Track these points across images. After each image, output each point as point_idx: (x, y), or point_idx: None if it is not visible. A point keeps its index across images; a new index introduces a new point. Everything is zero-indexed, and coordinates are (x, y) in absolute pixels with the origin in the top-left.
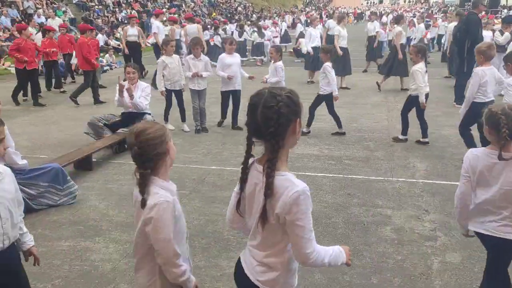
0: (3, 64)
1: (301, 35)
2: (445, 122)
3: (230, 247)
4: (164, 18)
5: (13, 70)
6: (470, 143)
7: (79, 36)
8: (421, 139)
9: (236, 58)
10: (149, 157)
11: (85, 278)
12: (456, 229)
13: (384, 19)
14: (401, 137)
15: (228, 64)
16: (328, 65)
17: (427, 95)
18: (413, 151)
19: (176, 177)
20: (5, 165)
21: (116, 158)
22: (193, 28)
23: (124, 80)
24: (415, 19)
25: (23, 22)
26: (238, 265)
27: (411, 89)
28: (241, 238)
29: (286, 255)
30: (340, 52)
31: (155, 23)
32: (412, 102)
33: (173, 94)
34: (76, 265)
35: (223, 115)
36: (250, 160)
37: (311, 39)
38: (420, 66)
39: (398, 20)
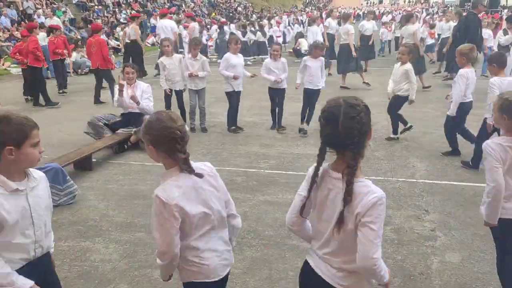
0: (3, 65)
1: (300, 35)
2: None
3: None
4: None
5: (12, 71)
6: (470, 137)
7: (79, 37)
8: (392, 135)
9: (240, 58)
10: None
11: (84, 278)
12: (455, 229)
13: (384, 18)
14: (392, 136)
15: (233, 64)
16: None
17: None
18: (413, 151)
19: None
20: None
21: (116, 158)
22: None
23: (123, 79)
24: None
25: (22, 22)
26: (308, 273)
27: (402, 89)
28: (241, 238)
29: None
30: (354, 53)
31: (162, 23)
32: (401, 102)
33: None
34: (76, 265)
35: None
36: (323, 166)
37: (314, 37)
38: (410, 66)
39: (408, 18)
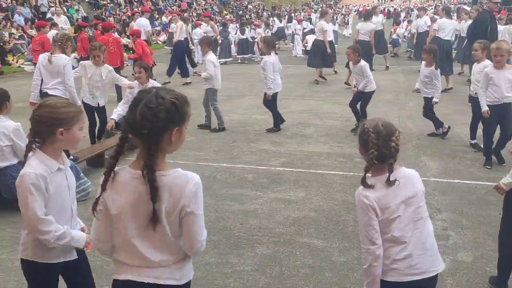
0: (16, 62)
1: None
2: (457, 120)
3: (240, 244)
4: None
5: (26, 68)
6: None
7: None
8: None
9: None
10: (36, 131)
11: (96, 273)
12: (468, 228)
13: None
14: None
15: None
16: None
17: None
18: (425, 150)
19: None
20: (18, 162)
21: (127, 155)
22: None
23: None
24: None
25: (36, 20)
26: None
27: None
28: (252, 236)
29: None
30: (328, 50)
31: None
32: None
33: None
34: (89, 260)
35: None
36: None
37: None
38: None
39: (450, 11)
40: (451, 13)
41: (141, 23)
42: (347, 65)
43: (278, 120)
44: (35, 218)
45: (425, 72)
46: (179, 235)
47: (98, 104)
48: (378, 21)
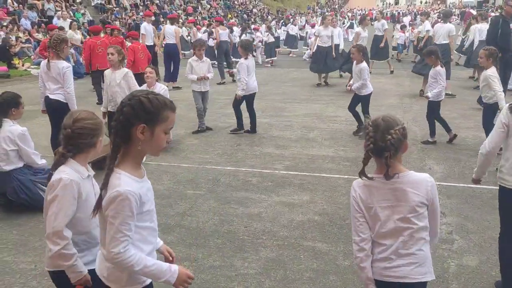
0: (23, 65)
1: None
2: (462, 124)
3: (245, 247)
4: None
5: (33, 72)
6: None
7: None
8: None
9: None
10: (76, 143)
11: None
12: (473, 232)
13: (405, 20)
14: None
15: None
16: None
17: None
18: (430, 153)
19: (192, 177)
20: (23, 165)
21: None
22: (169, 29)
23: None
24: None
25: (42, 24)
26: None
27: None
28: (256, 239)
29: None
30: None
31: (143, 25)
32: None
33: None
34: None
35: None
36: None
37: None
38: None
39: (448, 15)
40: (449, 17)
41: (147, 29)
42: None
43: (241, 121)
44: (56, 225)
45: (431, 74)
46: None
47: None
48: (377, 26)
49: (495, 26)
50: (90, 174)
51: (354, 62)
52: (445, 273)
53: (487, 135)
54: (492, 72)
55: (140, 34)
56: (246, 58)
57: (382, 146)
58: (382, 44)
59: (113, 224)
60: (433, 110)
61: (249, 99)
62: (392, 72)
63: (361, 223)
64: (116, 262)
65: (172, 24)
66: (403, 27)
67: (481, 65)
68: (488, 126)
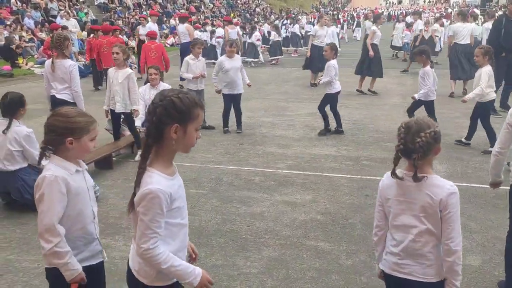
0: (26, 64)
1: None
2: (465, 123)
3: (247, 247)
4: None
5: (36, 71)
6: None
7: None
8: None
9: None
10: (47, 139)
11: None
12: (476, 232)
13: (408, 19)
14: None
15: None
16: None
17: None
18: None
19: (194, 177)
20: (28, 165)
21: (135, 157)
22: (181, 28)
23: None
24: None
25: (46, 23)
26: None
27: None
28: (259, 238)
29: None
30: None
31: (148, 25)
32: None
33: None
34: None
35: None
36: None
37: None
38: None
39: (465, 15)
40: (467, 17)
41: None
42: (357, 72)
43: (226, 118)
44: (46, 223)
45: (420, 73)
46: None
47: (125, 111)
48: (369, 26)
49: (498, 25)
50: (79, 169)
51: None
52: None
53: (488, 133)
54: (488, 70)
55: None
56: (228, 57)
57: (411, 148)
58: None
59: (143, 221)
60: (429, 110)
61: (231, 97)
62: (406, 71)
63: (379, 211)
64: (145, 257)
65: (183, 23)
66: (409, 26)
67: (478, 63)
68: (486, 123)
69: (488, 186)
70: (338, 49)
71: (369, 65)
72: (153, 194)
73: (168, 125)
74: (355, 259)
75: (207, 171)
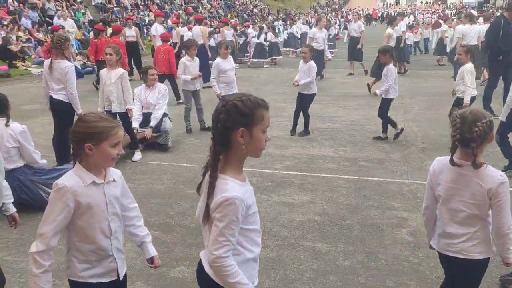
0: (24, 62)
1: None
2: None
3: None
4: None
5: (33, 71)
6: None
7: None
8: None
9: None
10: (72, 145)
11: None
12: None
13: (406, 20)
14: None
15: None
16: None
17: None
18: (430, 154)
19: (192, 177)
20: (24, 164)
21: (132, 157)
22: (196, 30)
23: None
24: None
25: (45, 24)
26: (199, 265)
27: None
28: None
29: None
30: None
31: (154, 26)
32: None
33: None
34: None
35: None
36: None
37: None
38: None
39: (473, 17)
40: (474, 18)
41: (197, 33)
42: (372, 73)
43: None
44: (40, 229)
45: (384, 71)
46: None
47: (120, 111)
48: (353, 28)
49: (497, 27)
50: (98, 181)
51: (302, 61)
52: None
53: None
54: (470, 67)
55: (151, 35)
56: (223, 59)
57: (469, 138)
58: (359, 46)
59: (218, 227)
60: (383, 107)
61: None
62: (366, 72)
63: (428, 193)
64: (215, 266)
65: (199, 24)
66: (411, 27)
67: (460, 61)
68: None
69: None
70: (335, 49)
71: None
72: (229, 201)
73: (233, 129)
74: (352, 260)
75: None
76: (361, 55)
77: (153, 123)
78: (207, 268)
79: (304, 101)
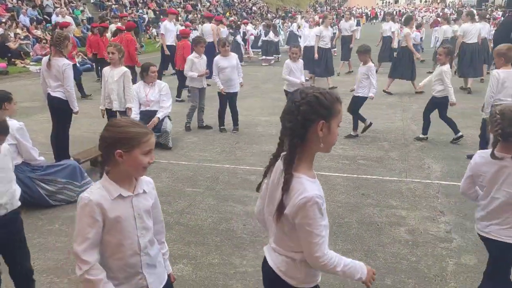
0: (23, 58)
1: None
2: (462, 123)
3: (243, 245)
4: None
5: (31, 68)
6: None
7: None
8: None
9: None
10: (102, 152)
11: None
12: (472, 231)
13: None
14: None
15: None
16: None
17: None
18: (429, 152)
19: (191, 175)
20: (22, 162)
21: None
22: (206, 28)
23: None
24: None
25: (44, 21)
26: (264, 261)
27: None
28: (255, 237)
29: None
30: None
31: (163, 24)
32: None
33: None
34: None
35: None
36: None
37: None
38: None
39: (474, 15)
40: (475, 17)
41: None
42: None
43: (222, 117)
44: (75, 249)
45: (363, 70)
46: (291, 235)
47: (120, 109)
48: (344, 27)
49: (507, 26)
50: (126, 194)
51: (290, 60)
52: (443, 271)
53: (448, 124)
54: (447, 69)
55: (159, 34)
56: (222, 56)
57: (509, 132)
58: (351, 45)
59: (309, 231)
60: (357, 104)
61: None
62: (351, 71)
63: (467, 182)
64: (322, 265)
65: (210, 22)
66: (418, 26)
67: (440, 62)
68: (444, 116)
69: None
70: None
71: (399, 67)
72: (311, 201)
73: (314, 122)
74: (351, 258)
75: (204, 169)
76: (349, 54)
77: (161, 114)
78: (271, 263)
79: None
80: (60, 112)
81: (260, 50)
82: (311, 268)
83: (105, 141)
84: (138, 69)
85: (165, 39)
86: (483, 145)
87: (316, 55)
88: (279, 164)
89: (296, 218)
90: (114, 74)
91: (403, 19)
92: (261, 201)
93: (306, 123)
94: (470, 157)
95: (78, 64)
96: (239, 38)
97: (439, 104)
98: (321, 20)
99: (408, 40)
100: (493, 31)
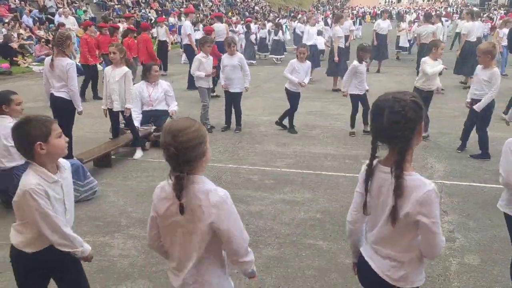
0: (25, 59)
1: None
2: (463, 122)
3: None
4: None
5: (34, 68)
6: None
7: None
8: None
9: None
10: (186, 159)
11: (104, 273)
12: (475, 231)
13: (408, 18)
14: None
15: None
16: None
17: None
18: (431, 152)
19: None
20: (25, 162)
21: (134, 155)
22: (220, 27)
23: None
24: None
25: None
26: (362, 264)
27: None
28: (258, 236)
29: (416, 251)
30: (336, 58)
31: (186, 23)
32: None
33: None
34: (95, 260)
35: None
36: (374, 162)
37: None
38: None
39: (428, 18)
40: (475, 16)
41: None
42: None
43: (226, 114)
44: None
45: (354, 68)
46: (408, 235)
47: (122, 109)
48: (384, 26)
49: None
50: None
51: (297, 60)
52: (446, 271)
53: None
54: (424, 59)
55: (186, 34)
56: (229, 55)
57: None
58: (347, 44)
59: (434, 222)
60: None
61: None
62: (378, 71)
63: (509, 165)
64: (442, 248)
65: (221, 22)
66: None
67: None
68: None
69: (487, 185)
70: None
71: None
72: (434, 193)
73: (418, 123)
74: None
75: (206, 169)
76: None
77: (174, 108)
78: (373, 266)
79: (292, 98)
80: (64, 112)
81: (266, 53)
82: (418, 267)
83: (196, 139)
84: (138, 69)
85: (193, 39)
86: None
87: (336, 58)
88: (378, 171)
89: (418, 216)
90: (116, 74)
91: (423, 16)
92: (357, 210)
93: (415, 128)
94: (473, 156)
95: (80, 64)
96: (252, 37)
97: (425, 98)
98: (334, 20)
99: (434, 36)
100: (487, 30)
